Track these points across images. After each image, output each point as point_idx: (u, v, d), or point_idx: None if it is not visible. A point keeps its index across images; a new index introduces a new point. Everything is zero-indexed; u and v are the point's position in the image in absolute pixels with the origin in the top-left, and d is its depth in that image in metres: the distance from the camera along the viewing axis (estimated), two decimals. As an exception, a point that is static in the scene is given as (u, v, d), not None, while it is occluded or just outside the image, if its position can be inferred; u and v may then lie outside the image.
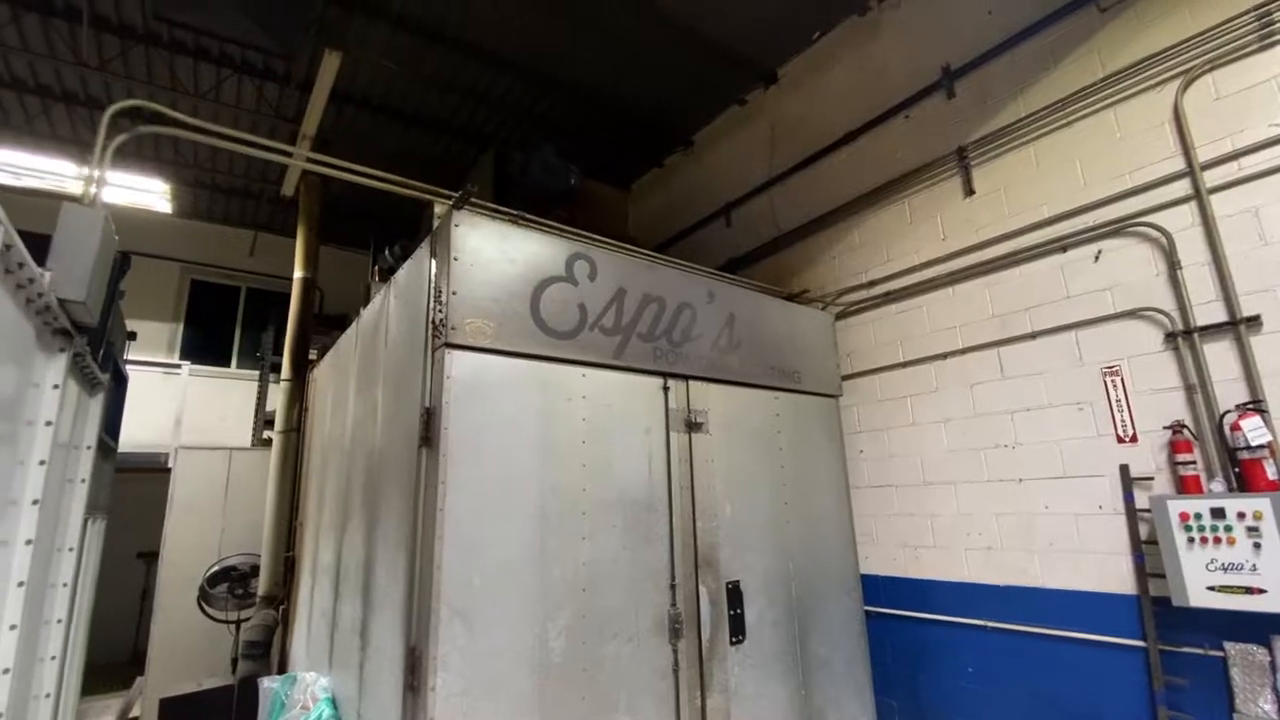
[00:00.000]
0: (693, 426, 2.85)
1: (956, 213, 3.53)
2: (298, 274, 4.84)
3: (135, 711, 4.51)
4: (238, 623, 4.41)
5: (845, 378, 3.86)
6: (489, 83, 4.77)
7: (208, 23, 3.38)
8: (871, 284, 3.88)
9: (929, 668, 3.32)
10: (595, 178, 5.32)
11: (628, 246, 3.06)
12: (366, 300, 4.92)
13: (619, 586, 2.45)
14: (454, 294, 2.29)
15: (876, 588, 3.55)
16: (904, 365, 3.64)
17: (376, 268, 4.54)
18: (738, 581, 2.81)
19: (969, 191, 3.48)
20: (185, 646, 4.74)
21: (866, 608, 3.43)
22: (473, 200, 2.57)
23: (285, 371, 4.70)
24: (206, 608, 4.37)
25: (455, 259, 2.33)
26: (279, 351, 6.17)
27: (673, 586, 2.60)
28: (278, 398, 4.87)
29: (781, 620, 2.97)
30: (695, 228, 5.47)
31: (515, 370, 2.39)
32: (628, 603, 2.46)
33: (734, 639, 2.74)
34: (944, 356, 3.46)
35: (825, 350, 3.71)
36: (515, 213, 2.77)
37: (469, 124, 5.29)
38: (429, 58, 4.45)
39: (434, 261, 2.41)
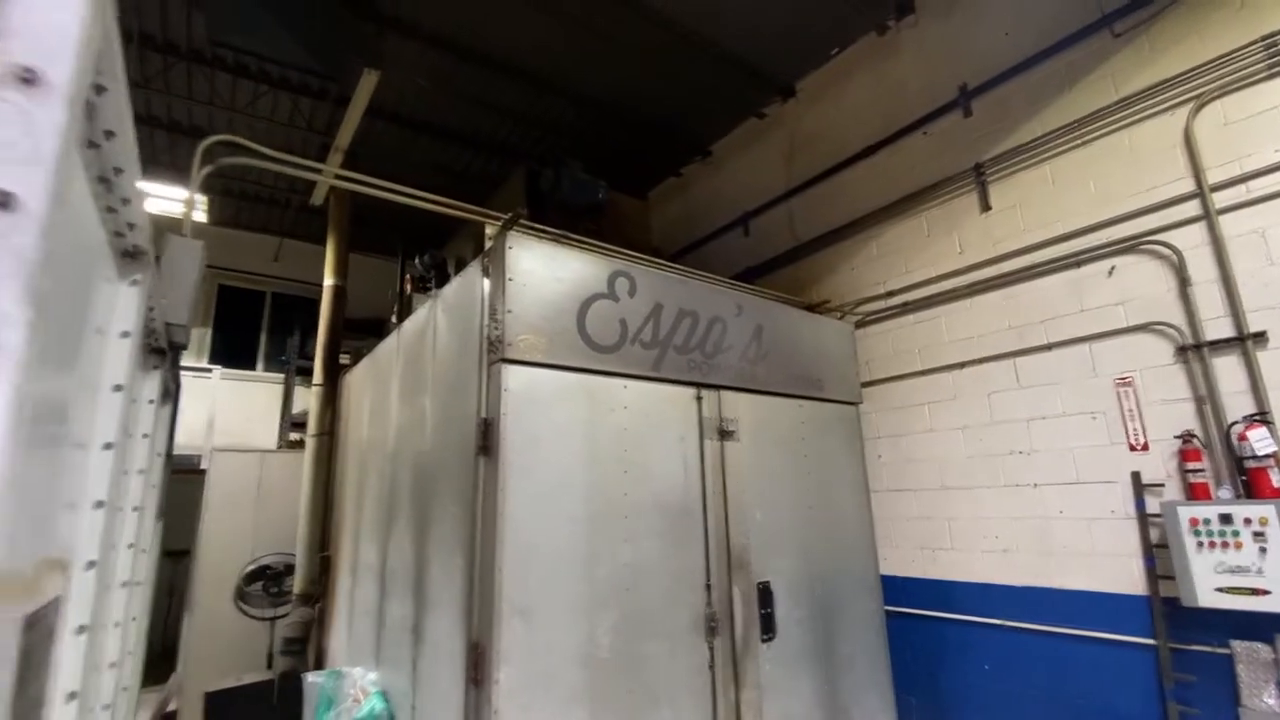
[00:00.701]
0: (725, 434, 2.99)
1: (974, 227, 3.67)
2: (329, 281, 4.99)
3: (173, 705, 4.66)
4: (273, 619, 4.57)
5: (865, 385, 4.01)
6: (514, 98, 4.91)
7: (261, 47, 3.52)
8: (890, 294, 4.02)
9: (947, 665, 3.47)
10: (615, 188, 5.46)
11: (663, 263, 3.21)
12: (399, 306, 5.08)
13: (659, 587, 2.60)
14: (509, 312, 2.44)
15: (896, 588, 3.70)
16: (922, 374, 3.79)
17: (409, 276, 4.68)
18: (768, 582, 2.95)
19: (986, 207, 3.62)
20: (220, 642, 4.89)
21: (887, 607, 3.58)
22: (522, 220, 2.72)
23: (317, 376, 4.85)
24: (244, 605, 4.53)
25: (510, 279, 2.47)
26: (304, 355, 6.33)
27: (708, 587, 2.75)
28: (309, 401, 5.02)
29: (808, 619, 3.12)
30: (713, 236, 5.61)
31: (564, 383, 2.54)
32: (667, 602, 2.61)
33: (765, 637, 2.88)
34: (961, 366, 3.61)
35: (846, 359, 3.86)
36: (559, 232, 2.92)
37: (494, 137, 5.43)
38: (457, 74, 4.59)
39: (487, 281, 2.56)
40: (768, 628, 2.91)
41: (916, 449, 3.77)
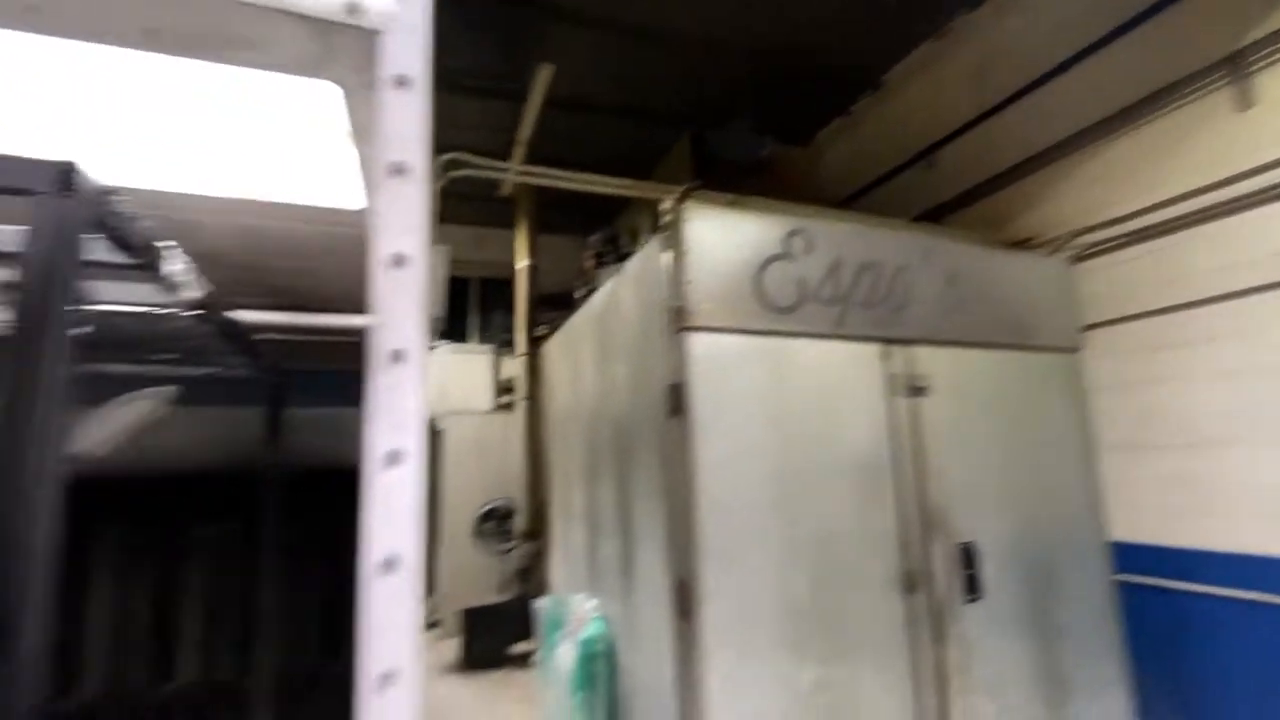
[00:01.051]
0: (916, 391, 2.88)
1: (1228, 130, 2.99)
2: (523, 263, 5.59)
3: (435, 617, 5.80)
4: (504, 553, 5.43)
5: (1086, 328, 3.53)
6: (673, 64, 4.96)
7: (466, 62, 4.01)
8: (1115, 222, 3.45)
9: (1195, 643, 3.05)
10: (779, 139, 5.31)
11: (841, 214, 3.13)
12: (581, 279, 5.53)
13: (851, 543, 2.65)
14: (689, 282, 2.59)
15: (1129, 555, 3.30)
16: (1162, 312, 3.24)
17: (588, 252, 5.07)
18: (971, 543, 2.84)
19: (1245, 104, 2.93)
20: (463, 570, 5.94)
21: (1119, 576, 3.22)
22: (695, 192, 2.84)
23: (520, 348, 5.52)
24: (482, 541, 5.45)
25: (687, 251, 2.61)
26: (506, 329, 7.21)
27: (903, 545, 2.73)
28: (514, 370, 5.75)
29: (1018, 582, 2.95)
30: (890, 176, 5.22)
31: (745, 346, 2.64)
32: (860, 558, 2.65)
33: (969, 598, 2.79)
34: (1216, 300, 3.02)
35: (1060, 301, 3.43)
36: (731, 196, 2.98)
37: (656, 107, 5.54)
38: (618, 51, 4.75)
39: (668, 254, 2.73)
40: (972, 588, 2.81)
41: (1157, 400, 3.26)
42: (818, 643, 2.51)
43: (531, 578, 4.96)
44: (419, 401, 0.70)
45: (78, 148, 1.16)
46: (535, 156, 5.22)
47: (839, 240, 2.89)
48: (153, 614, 2.63)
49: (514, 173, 3.95)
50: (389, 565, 0.65)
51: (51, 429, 0.68)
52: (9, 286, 1.13)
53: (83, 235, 0.75)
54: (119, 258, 0.92)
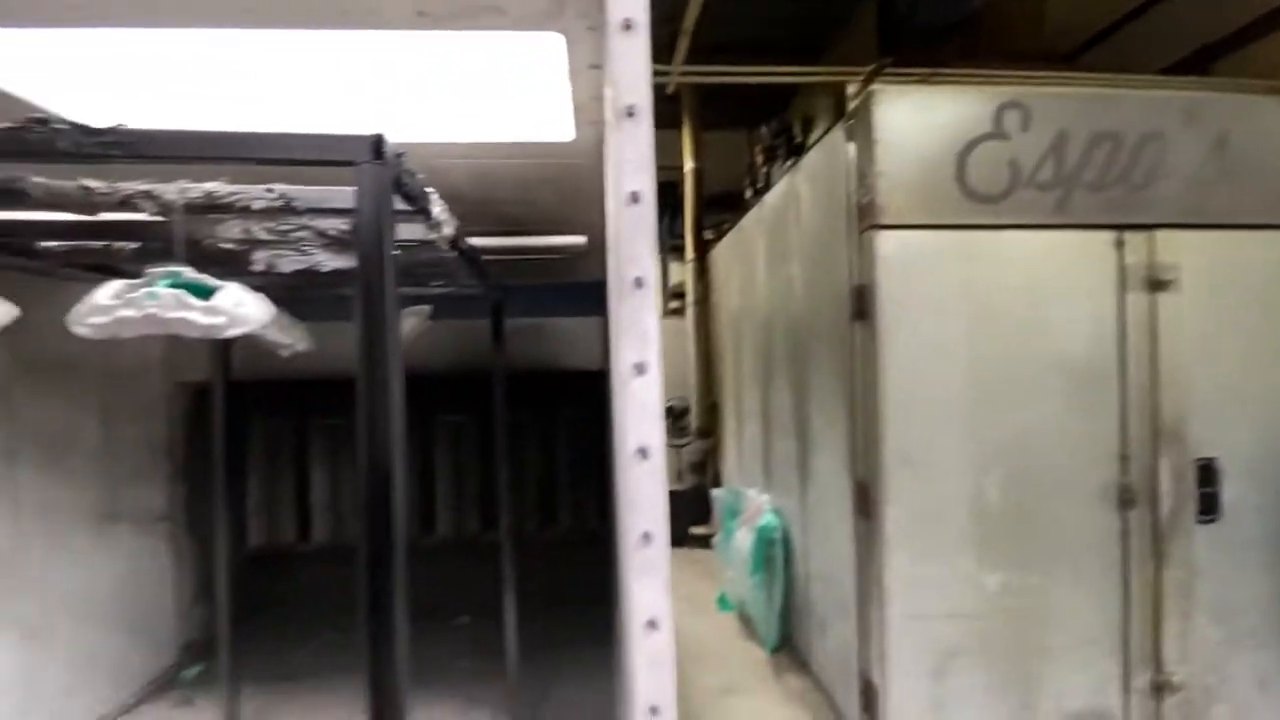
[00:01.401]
0: (1156, 285, 2.46)
1: None
2: (689, 166, 5.52)
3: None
4: (679, 447, 5.85)
5: None
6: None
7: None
8: None
9: None
10: (990, -17, 4.44)
11: (1070, 76, 2.63)
12: (750, 177, 5.35)
13: (1057, 452, 2.46)
14: (880, 175, 2.40)
15: None
16: None
17: (758, 146, 4.84)
18: (1213, 459, 2.47)
19: None
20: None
21: None
22: (885, 70, 2.56)
23: (689, 252, 5.59)
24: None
25: (877, 140, 2.41)
26: (672, 233, 7.28)
27: (1123, 458, 2.47)
28: (684, 275, 5.87)
29: (1271, 506, 2.54)
30: (1138, 13, 4.15)
31: (942, 243, 2.43)
32: (1067, 468, 2.46)
33: (1203, 518, 2.48)
34: None
35: (1390, 160, 2.61)
36: (927, 71, 2.64)
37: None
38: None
39: (852, 145, 2.54)
40: (1208, 508, 2.48)
41: None
42: (1008, 548, 2.43)
43: (706, 470, 5.33)
44: (656, 320, 0.81)
45: (353, 115, 1.40)
46: (698, 44, 4.95)
47: (1065, 110, 2.45)
48: (418, 483, 3.36)
49: (678, 73, 3.83)
50: (642, 453, 0.80)
51: (392, 335, 0.92)
52: (322, 234, 1.45)
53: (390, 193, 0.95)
54: (403, 205, 1.14)
